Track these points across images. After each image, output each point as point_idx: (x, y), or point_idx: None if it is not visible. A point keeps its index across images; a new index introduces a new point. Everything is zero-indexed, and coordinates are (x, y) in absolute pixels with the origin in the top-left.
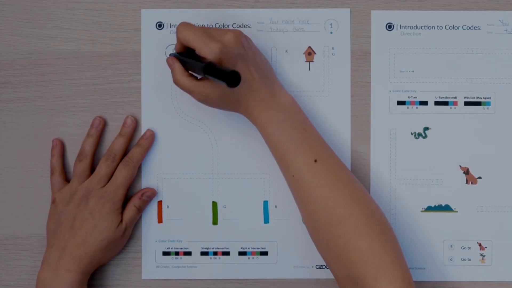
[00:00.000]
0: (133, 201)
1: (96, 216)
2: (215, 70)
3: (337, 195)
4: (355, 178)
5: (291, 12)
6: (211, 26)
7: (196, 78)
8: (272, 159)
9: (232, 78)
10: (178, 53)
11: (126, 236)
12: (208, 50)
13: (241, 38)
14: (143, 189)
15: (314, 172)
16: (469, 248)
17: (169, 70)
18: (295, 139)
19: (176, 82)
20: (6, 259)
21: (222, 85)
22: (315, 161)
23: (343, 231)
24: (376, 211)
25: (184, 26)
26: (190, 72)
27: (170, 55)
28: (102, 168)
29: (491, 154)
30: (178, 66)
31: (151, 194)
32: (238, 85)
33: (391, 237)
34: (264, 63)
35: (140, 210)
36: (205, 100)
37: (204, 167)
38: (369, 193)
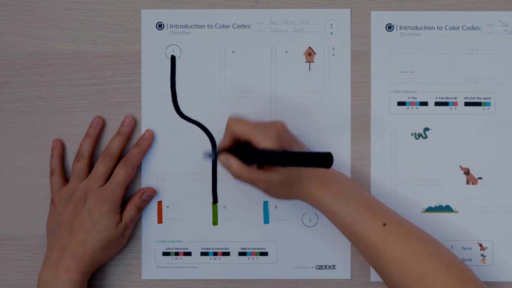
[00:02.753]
0: (133, 200)
1: (95, 216)
2: (296, 155)
3: (411, 255)
4: (425, 232)
5: (291, 13)
6: (211, 26)
7: (254, 168)
8: None
9: (327, 159)
10: (225, 149)
11: (126, 236)
12: (267, 138)
13: (285, 125)
14: (143, 188)
15: (385, 236)
16: (469, 248)
17: (169, 70)
18: (360, 208)
19: (237, 176)
20: (6, 259)
21: (309, 168)
22: (384, 224)
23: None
24: (453, 261)
25: (235, 121)
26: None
27: (213, 154)
28: (99, 167)
29: (492, 155)
30: (234, 160)
31: (151, 193)
32: (332, 164)
33: (472, 281)
34: (306, 146)
35: (140, 209)
36: (267, 187)
37: (204, 167)
38: (370, 194)
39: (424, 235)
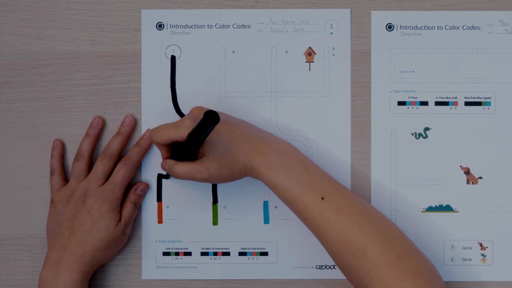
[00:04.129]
0: (128, 197)
1: (94, 216)
2: (195, 128)
3: (349, 230)
4: (368, 205)
5: (291, 13)
6: (211, 26)
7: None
8: None
9: (210, 117)
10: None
11: (126, 234)
12: (182, 128)
13: (203, 107)
14: (136, 184)
15: (324, 210)
16: (470, 248)
17: (169, 70)
18: (299, 181)
19: (176, 174)
20: (6, 259)
21: (210, 130)
22: (322, 198)
23: (360, 264)
24: (393, 236)
25: (151, 131)
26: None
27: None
28: (99, 167)
29: (492, 154)
30: (169, 161)
31: (144, 187)
32: (218, 119)
33: (414, 256)
34: (240, 120)
35: (137, 205)
36: (208, 174)
37: None
38: (370, 193)
39: (366, 209)
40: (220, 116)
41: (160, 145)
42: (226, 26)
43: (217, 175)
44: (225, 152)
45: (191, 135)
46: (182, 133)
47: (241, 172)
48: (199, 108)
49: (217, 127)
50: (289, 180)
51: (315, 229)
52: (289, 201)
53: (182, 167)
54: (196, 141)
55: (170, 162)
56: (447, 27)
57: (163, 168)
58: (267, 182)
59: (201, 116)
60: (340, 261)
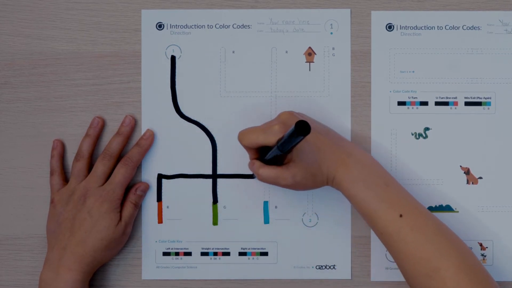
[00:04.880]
0: (128, 198)
1: (94, 216)
2: (285, 137)
3: (424, 250)
4: (444, 226)
5: (291, 13)
6: (211, 26)
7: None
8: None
9: (301, 128)
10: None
11: (126, 234)
12: (272, 134)
13: (293, 113)
14: (136, 184)
15: (400, 228)
16: (470, 248)
17: (169, 70)
18: (379, 196)
19: (261, 176)
20: (6, 259)
21: (299, 140)
22: (400, 216)
23: (433, 284)
24: (467, 259)
25: (240, 134)
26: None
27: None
28: (99, 167)
29: (492, 154)
30: (257, 162)
31: (145, 187)
32: (309, 131)
33: (484, 281)
34: (326, 128)
35: (137, 205)
36: (293, 181)
37: (204, 167)
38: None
39: (442, 229)
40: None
41: (247, 148)
42: (226, 26)
43: (302, 183)
44: (311, 161)
45: (281, 143)
46: (270, 139)
47: (323, 182)
48: (289, 113)
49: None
50: (368, 194)
51: (391, 245)
52: (366, 215)
53: (269, 171)
54: (284, 149)
55: (258, 164)
56: (447, 27)
57: (250, 168)
58: (347, 195)
59: (290, 122)
60: (412, 280)
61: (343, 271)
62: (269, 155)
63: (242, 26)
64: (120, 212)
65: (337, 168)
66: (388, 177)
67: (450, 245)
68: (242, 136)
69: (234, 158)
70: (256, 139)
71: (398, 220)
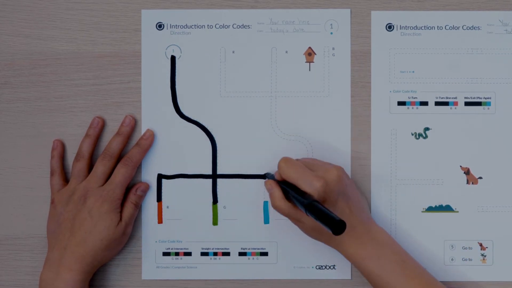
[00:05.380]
0: (129, 198)
1: (95, 216)
2: (319, 211)
3: None
4: None
5: (291, 13)
6: (211, 26)
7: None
8: (272, 159)
9: (338, 227)
10: (278, 180)
11: (127, 234)
12: (311, 189)
13: (343, 175)
14: (136, 184)
15: None
16: (470, 248)
17: (169, 70)
18: (395, 273)
19: (275, 206)
20: (6, 259)
21: (325, 228)
22: None
23: None
24: None
25: (286, 162)
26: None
27: (267, 177)
28: (99, 167)
29: (492, 154)
30: (277, 191)
31: (145, 188)
32: (342, 233)
33: None
34: (360, 199)
35: (137, 205)
36: (300, 227)
37: (204, 167)
38: (370, 193)
39: None
40: (348, 190)
41: (279, 173)
42: (226, 26)
43: (306, 233)
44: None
45: (311, 212)
46: (305, 189)
47: (329, 243)
48: (338, 175)
49: (338, 203)
50: (384, 271)
51: None
52: None
53: (284, 205)
54: (310, 215)
55: (278, 193)
56: (447, 27)
57: (266, 187)
58: (361, 270)
59: (334, 187)
60: None
61: (343, 271)
62: (293, 198)
63: (242, 26)
64: (120, 212)
65: (352, 243)
66: (403, 253)
67: None
68: (282, 169)
69: (234, 158)
70: (293, 179)
71: None
